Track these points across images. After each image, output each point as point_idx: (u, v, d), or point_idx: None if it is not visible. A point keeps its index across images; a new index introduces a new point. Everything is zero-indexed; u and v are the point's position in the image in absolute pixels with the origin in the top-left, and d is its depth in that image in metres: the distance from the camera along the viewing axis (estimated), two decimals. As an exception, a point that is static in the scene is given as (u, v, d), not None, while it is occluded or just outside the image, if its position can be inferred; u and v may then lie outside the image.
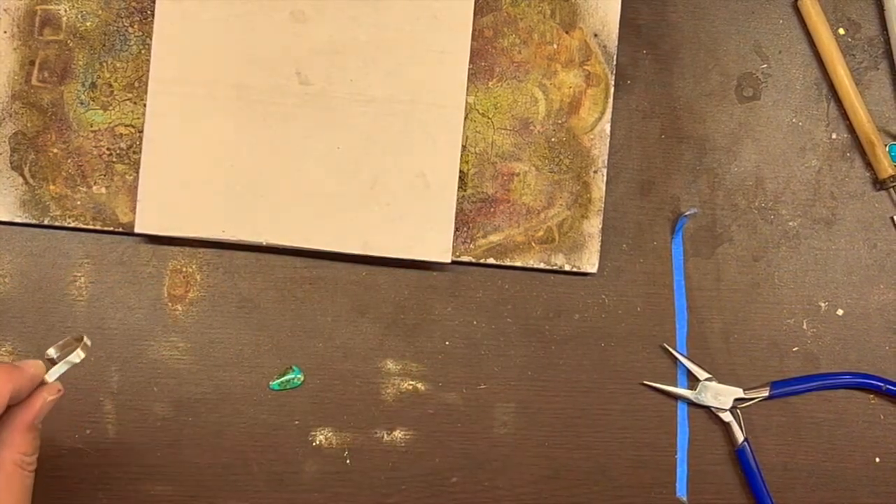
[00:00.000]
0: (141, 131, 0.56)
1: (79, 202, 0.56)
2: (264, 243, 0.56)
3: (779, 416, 0.60)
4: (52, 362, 0.44)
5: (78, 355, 0.44)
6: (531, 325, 0.59)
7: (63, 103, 0.56)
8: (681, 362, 0.59)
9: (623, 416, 0.59)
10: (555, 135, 0.58)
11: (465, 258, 0.57)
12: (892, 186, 0.60)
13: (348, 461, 0.58)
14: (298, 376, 0.58)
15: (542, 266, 0.58)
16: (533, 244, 0.58)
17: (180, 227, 0.55)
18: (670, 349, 0.59)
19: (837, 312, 0.61)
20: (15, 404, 0.42)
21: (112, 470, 0.57)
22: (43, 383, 0.43)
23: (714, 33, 0.61)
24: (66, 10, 0.56)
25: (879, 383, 0.59)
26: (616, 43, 0.58)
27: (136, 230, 0.55)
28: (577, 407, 0.59)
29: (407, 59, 0.56)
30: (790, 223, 0.61)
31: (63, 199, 0.56)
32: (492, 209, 0.58)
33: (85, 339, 0.45)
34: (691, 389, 0.59)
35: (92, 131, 0.56)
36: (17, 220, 0.56)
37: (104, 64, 0.57)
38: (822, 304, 0.61)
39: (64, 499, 0.57)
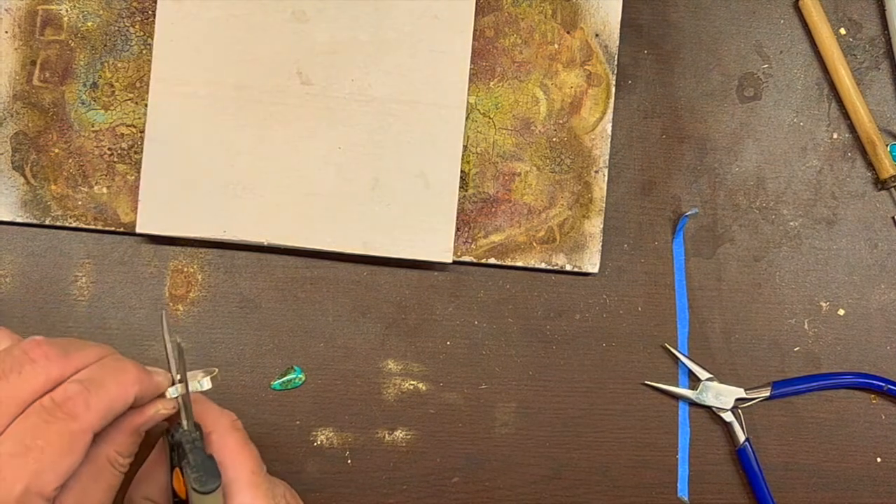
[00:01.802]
0: (142, 131, 0.56)
1: (80, 202, 0.56)
2: (265, 243, 0.56)
3: (780, 416, 0.60)
4: (176, 381, 0.44)
5: (202, 384, 0.45)
6: (532, 325, 0.59)
7: (64, 103, 0.56)
8: (682, 362, 0.59)
9: (624, 416, 0.59)
10: (556, 135, 0.58)
11: (466, 258, 0.57)
12: (894, 186, 0.60)
13: (349, 461, 0.58)
14: (299, 376, 0.58)
15: (543, 266, 0.58)
16: (534, 244, 0.58)
17: (181, 227, 0.55)
18: (671, 349, 0.59)
19: (839, 312, 0.61)
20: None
21: None
22: (162, 395, 0.43)
23: (715, 33, 0.61)
24: (67, 11, 0.56)
25: (881, 383, 0.59)
26: (617, 43, 0.58)
27: (138, 230, 0.55)
28: (578, 407, 0.59)
29: (408, 59, 0.56)
30: (791, 223, 0.61)
31: (64, 199, 0.56)
32: (493, 209, 0.58)
33: (216, 372, 0.45)
34: (692, 389, 0.59)
35: (93, 131, 0.56)
36: (19, 219, 0.56)
37: (105, 64, 0.57)
38: (824, 304, 0.61)
39: (65, 499, 0.57)
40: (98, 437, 0.40)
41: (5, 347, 0.41)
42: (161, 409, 0.43)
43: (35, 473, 0.37)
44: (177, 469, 0.44)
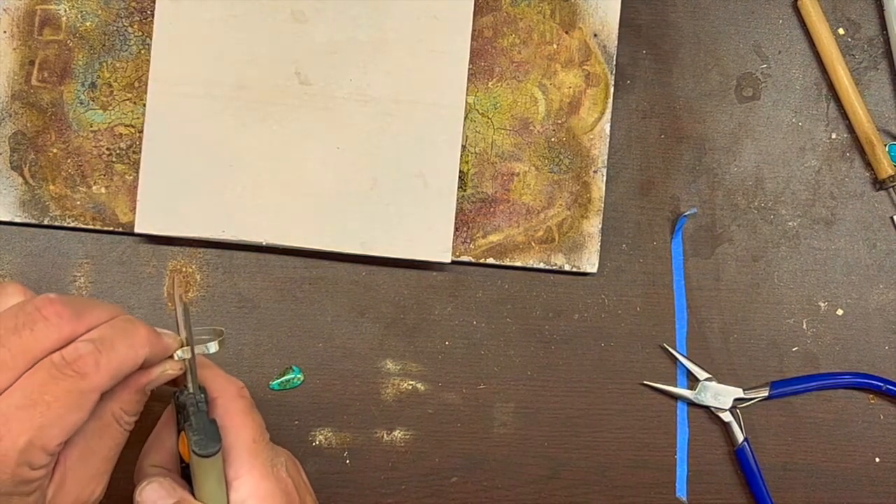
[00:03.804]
0: (141, 131, 0.56)
1: (78, 202, 0.56)
2: (264, 243, 0.56)
3: (778, 416, 0.60)
4: (185, 342, 0.44)
5: (209, 348, 0.45)
6: (531, 325, 0.59)
7: (63, 103, 0.56)
8: (680, 362, 0.59)
9: (622, 416, 0.59)
10: (555, 135, 0.58)
11: (464, 258, 0.57)
12: (892, 186, 0.60)
13: (348, 461, 0.58)
14: (298, 376, 0.58)
15: (541, 266, 0.58)
16: (533, 244, 0.58)
17: (180, 227, 0.55)
18: (670, 349, 0.59)
19: (837, 312, 0.61)
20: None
21: (113, 471, 0.57)
22: (170, 357, 0.44)
23: (714, 33, 0.61)
24: (65, 10, 0.56)
25: (879, 383, 0.59)
26: (616, 43, 0.58)
27: (136, 230, 0.55)
28: (577, 407, 0.59)
29: (407, 59, 0.56)
30: (790, 223, 0.61)
31: (63, 199, 0.56)
32: (491, 209, 0.58)
33: (224, 335, 0.45)
34: (691, 389, 0.59)
35: (92, 131, 0.56)
36: (17, 219, 0.56)
37: (104, 64, 0.57)
38: (822, 304, 0.61)
39: (64, 499, 0.57)
40: (105, 394, 0.40)
41: (18, 303, 0.41)
42: (168, 370, 0.44)
43: (40, 427, 0.38)
44: (182, 433, 0.44)
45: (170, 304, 0.57)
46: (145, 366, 0.42)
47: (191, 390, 0.44)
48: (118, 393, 0.42)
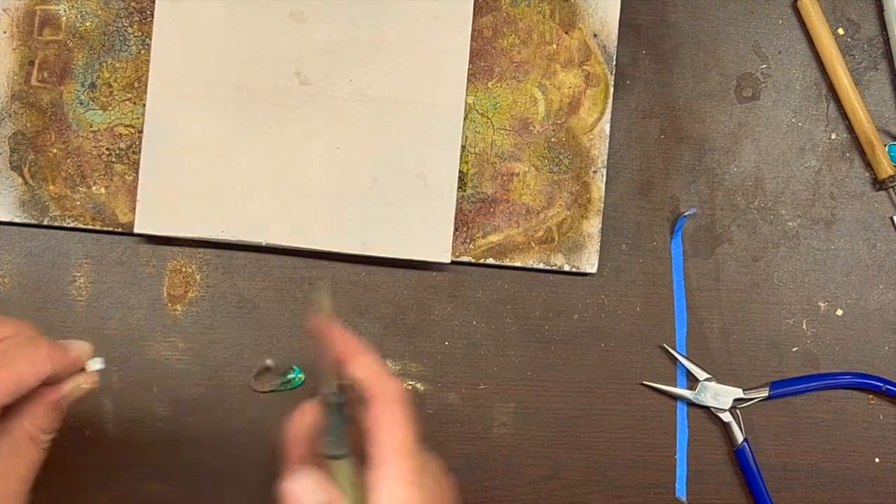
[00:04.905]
0: (140, 131, 0.56)
1: (78, 202, 0.56)
2: (264, 243, 0.56)
3: (778, 417, 0.60)
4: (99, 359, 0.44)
5: (94, 364, 0.44)
6: (530, 326, 0.59)
7: (62, 103, 0.56)
8: (680, 362, 0.59)
9: (622, 417, 0.59)
10: (554, 135, 0.58)
11: (464, 258, 0.57)
12: (892, 186, 0.60)
13: (348, 461, 0.58)
14: (299, 376, 0.58)
15: (541, 266, 0.58)
16: (532, 244, 0.58)
17: (180, 227, 0.55)
18: (670, 349, 0.59)
19: (837, 312, 0.61)
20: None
21: (113, 470, 0.57)
22: (83, 370, 0.43)
23: (713, 33, 0.61)
24: (65, 11, 0.56)
25: (879, 383, 0.59)
26: (615, 43, 0.58)
27: (136, 230, 0.55)
28: (577, 407, 0.59)
29: (406, 59, 0.56)
30: (789, 223, 0.61)
31: (62, 200, 0.56)
32: (491, 209, 0.58)
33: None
34: (691, 390, 0.59)
35: (91, 131, 0.56)
36: (17, 220, 0.56)
37: (104, 64, 0.57)
38: (822, 305, 0.61)
39: (65, 499, 0.57)
40: (17, 412, 0.40)
41: None
42: (82, 384, 0.43)
43: None
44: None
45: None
46: (55, 381, 0.42)
47: (330, 389, 0.42)
48: (29, 409, 0.41)
